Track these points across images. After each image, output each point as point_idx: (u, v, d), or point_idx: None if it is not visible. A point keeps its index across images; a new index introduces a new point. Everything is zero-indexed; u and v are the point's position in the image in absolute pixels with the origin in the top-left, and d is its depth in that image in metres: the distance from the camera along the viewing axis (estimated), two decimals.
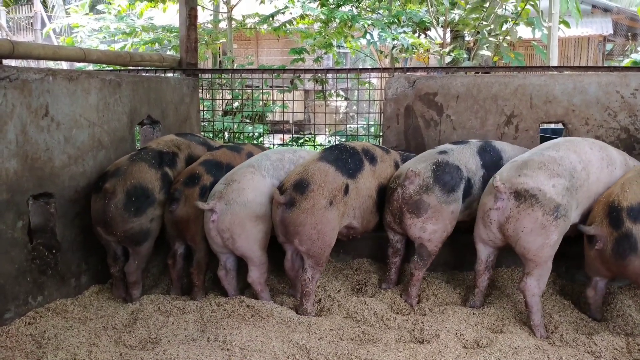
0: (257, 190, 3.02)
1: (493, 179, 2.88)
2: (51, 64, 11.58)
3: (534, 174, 2.79)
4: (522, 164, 2.87)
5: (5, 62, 3.31)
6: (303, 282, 3.01)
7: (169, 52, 9.77)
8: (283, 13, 8.67)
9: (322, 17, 7.84)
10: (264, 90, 7.18)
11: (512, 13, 7.31)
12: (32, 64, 11.66)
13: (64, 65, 11.03)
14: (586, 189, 2.92)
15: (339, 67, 7.21)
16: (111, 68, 5.73)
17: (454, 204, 3.05)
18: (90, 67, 7.94)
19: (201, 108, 4.78)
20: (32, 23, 16.36)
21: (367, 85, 7.53)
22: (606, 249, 2.74)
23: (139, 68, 4.55)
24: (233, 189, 2.98)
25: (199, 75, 4.77)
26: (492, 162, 3.23)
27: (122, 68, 4.66)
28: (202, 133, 5.02)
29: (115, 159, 3.36)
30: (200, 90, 4.72)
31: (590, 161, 2.97)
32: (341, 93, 8.24)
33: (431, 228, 3.04)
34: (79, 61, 3.96)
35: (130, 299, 3.24)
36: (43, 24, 15.05)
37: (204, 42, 9.88)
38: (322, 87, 6.98)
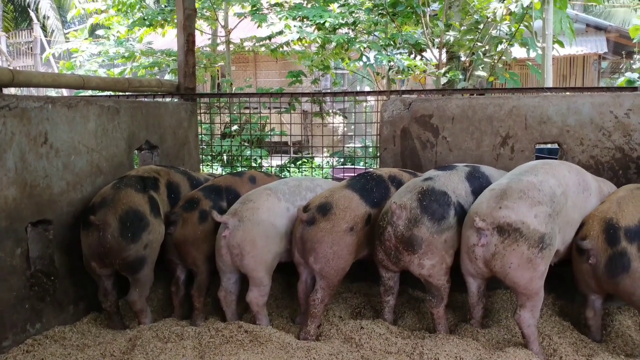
0: (270, 211, 3.09)
1: (472, 215, 2.75)
2: (51, 91, 11.67)
3: (515, 205, 2.70)
4: (501, 194, 2.76)
5: (5, 90, 3.35)
6: (312, 302, 3.03)
7: (167, 76, 9.87)
8: (280, 36, 8.78)
9: (319, 40, 7.94)
10: (262, 114, 7.24)
11: (506, 34, 7.39)
12: (33, 90, 11.74)
13: (64, 91, 11.12)
14: (564, 213, 2.87)
15: (336, 90, 7.27)
16: (110, 93, 5.78)
17: (446, 232, 2.89)
18: (89, 93, 8.00)
19: (200, 131, 4.81)
20: (31, 48, 16.52)
21: (364, 106, 7.58)
22: (599, 264, 2.75)
23: (137, 93, 4.60)
24: (248, 207, 3.08)
25: (197, 99, 4.81)
26: (481, 188, 3.06)
27: (121, 93, 4.70)
28: (201, 156, 5.05)
29: None
30: (198, 113, 4.76)
31: (568, 185, 2.94)
32: (338, 112, 8.32)
33: (428, 263, 2.89)
34: (78, 88, 4.00)
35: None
36: (42, 49, 15.21)
37: (203, 66, 9.98)
38: (320, 107, 7.05)
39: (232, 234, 3.03)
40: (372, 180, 3.23)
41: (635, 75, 9.21)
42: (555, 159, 3.82)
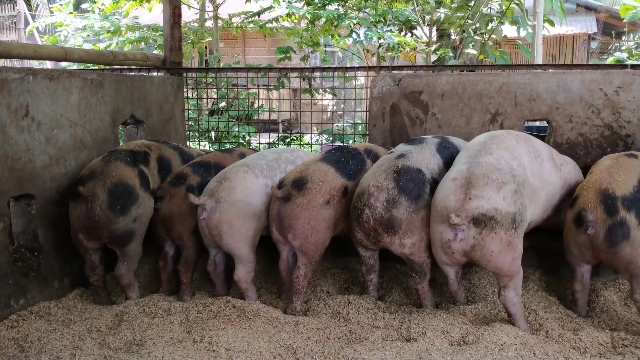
0: (247, 190, 3.05)
1: (443, 211, 2.67)
2: (35, 64, 11.45)
3: (484, 192, 2.62)
4: (466, 183, 2.67)
5: None
6: (295, 279, 3.03)
7: (154, 51, 9.69)
8: (269, 12, 8.65)
9: (308, 16, 7.83)
10: (250, 90, 7.16)
11: (497, 12, 7.33)
12: (16, 63, 11.51)
13: (48, 64, 10.91)
14: (528, 183, 2.85)
15: (325, 66, 7.20)
16: (96, 67, 5.67)
17: (424, 210, 2.85)
18: (75, 66, 7.86)
19: (187, 107, 4.74)
20: (15, 22, 16.16)
21: (353, 84, 7.53)
22: (598, 235, 2.75)
23: (123, 67, 4.51)
24: (224, 187, 3.04)
25: (184, 74, 4.73)
26: (452, 158, 3.05)
27: (106, 67, 4.61)
28: (188, 133, 4.99)
29: None
30: (185, 90, 4.68)
31: (521, 155, 2.90)
32: (328, 90, 8.25)
33: (409, 242, 2.89)
34: (60, 60, 3.91)
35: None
36: (27, 23, 14.85)
37: (190, 41, 9.82)
38: (309, 84, 6.98)
39: (209, 216, 3.01)
40: (348, 153, 3.21)
41: (624, 55, 9.22)
42: (545, 136, 3.81)
